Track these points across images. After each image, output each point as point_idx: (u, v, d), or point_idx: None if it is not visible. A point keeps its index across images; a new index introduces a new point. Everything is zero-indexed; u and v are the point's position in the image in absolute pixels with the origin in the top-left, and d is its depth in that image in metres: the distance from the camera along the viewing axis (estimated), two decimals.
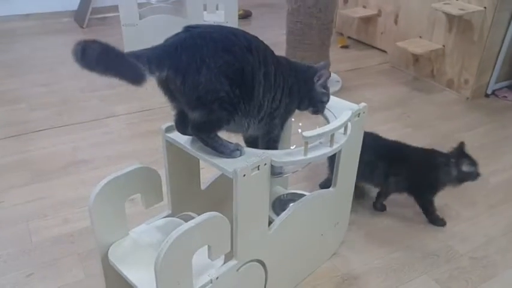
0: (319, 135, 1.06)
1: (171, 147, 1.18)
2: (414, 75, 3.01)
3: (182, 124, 1.10)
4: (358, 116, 1.27)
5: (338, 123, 1.11)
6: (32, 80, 2.78)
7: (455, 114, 2.55)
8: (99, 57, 0.87)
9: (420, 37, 2.92)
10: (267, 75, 1.06)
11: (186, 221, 1.27)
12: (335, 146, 1.12)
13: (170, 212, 1.28)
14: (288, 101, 1.14)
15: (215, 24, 1.03)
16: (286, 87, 1.13)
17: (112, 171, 1.12)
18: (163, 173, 1.24)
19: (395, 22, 3.14)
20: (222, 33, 1.01)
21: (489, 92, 2.76)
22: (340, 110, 1.23)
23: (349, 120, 1.15)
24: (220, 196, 1.34)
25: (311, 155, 1.08)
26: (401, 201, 1.79)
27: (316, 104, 1.21)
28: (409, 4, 2.99)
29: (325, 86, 1.20)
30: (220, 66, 0.97)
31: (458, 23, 2.67)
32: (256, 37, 1.07)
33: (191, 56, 0.96)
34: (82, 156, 2.05)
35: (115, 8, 2.99)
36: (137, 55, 0.93)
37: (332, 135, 1.11)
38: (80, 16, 3.79)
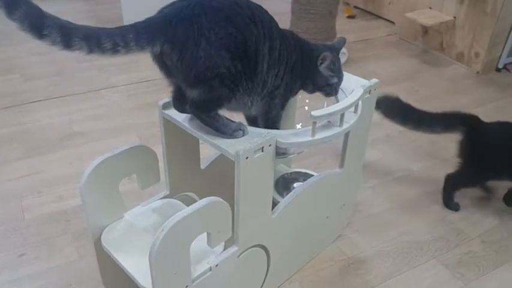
0: (329, 115, 0.98)
1: (169, 124, 1.10)
2: (423, 47, 2.89)
3: (180, 101, 1.01)
4: (369, 93, 1.19)
5: (349, 102, 1.02)
6: (27, 49, 2.67)
7: (465, 89, 2.46)
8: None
9: (430, 8, 2.79)
10: (272, 49, 0.96)
11: (184, 202, 1.21)
12: (345, 126, 1.04)
13: (168, 192, 1.21)
14: (289, 79, 1.05)
15: None
16: (289, 64, 1.03)
17: (109, 145, 1.05)
18: (160, 149, 1.16)
19: None
20: (223, 2, 0.91)
21: (500, 66, 2.66)
22: (349, 86, 1.14)
23: (360, 98, 1.07)
24: (221, 175, 1.27)
25: (319, 135, 1.00)
26: (407, 182, 1.73)
27: (322, 88, 1.10)
28: None
29: (333, 68, 1.08)
30: (221, 38, 0.88)
31: None
32: (260, 6, 0.97)
33: (188, 28, 0.86)
34: (78, 129, 1.97)
35: None
36: (122, 31, 0.83)
37: (342, 115, 1.02)
38: None
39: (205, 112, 0.97)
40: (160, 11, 0.91)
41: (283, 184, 1.44)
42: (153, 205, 1.16)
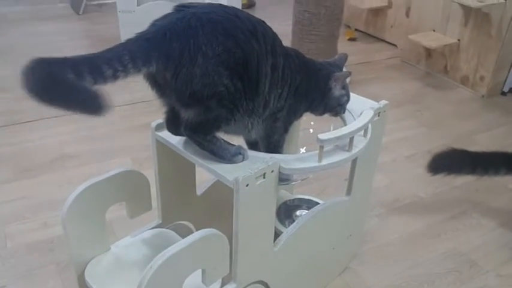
0: (337, 139, 0.89)
1: (162, 147, 1.01)
2: (426, 70, 2.83)
3: (174, 123, 0.93)
4: (378, 116, 1.10)
5: (358, 125, 0.94)
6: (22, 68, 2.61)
7: (470, 113, 2.39)
8: (44, 86, 0.70)
9: (433, 30, 2.75)
10: (275, 68, 0.88)
11: (178, 231, 1.12)
12: (354, 151, 0.95)
13: (160, 221, 1.12)
14: (293, 101, 0.97)
15: (213, 3, 0.82)
16: (293, 85, 0.95)
17: (101, 168, 0.97)
18: (153, 173, 1.07)
19: (407, 15, 2.96)
20: (222, 13, 0.83)
21: (506, 90, 2.59)
22: (357, 107, 1.06)
23: (370, 121, 0.98)
24: (218, 203, 1.18)
25: (326, 161, 0.91)
26: (416, 210, 1.64)
27: (333, 109, 1.04)
28: None
29: (343, 86, 1.02)
30: (219, 54, 0.79)
31: (475, 16, 2.50)
32: (262, 21, 0.90)
33: (184, 42, 0.78)
34: (70, 150, 1.88)
35: None
36: (116, 53, 0.75)
37: (351, 138, 0.94)
38: (76, 2, 3.61)
39: (201, 135, 0.88)
40: (153, 24, 0.83)
41: (285, 212, 1.35)
42: (143, 236, 1.06)
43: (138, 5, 2.76)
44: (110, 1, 3.64)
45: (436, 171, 1.54)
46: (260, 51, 0.85)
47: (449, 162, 1.55)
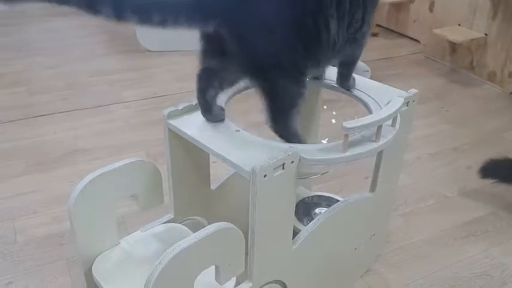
0: (364, 127, 0.82)
1: (175, 137, 0.95)
2: (451, 66, 2.73)
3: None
4: (407, 105, 1.03)
5: (387, 113, 0.86)
6: (38, 63, 2.59)
7: (498, 111, 2.28)
8: None
9: (459, 25, 2.64)
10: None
11: (191, 227, 1.05)
12: (382, 141, 0.87)
13: (173, 216, 1.05)
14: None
15: None
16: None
17: (115, 162, 0.91)
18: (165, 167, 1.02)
19: (431, 9, 2.86)
20: None
21: None
22: (383, 97, 0.99)
23: (399, 109, 0.91)
24: (234, 197, 1.12)
25: (352, 151, 0.84)
26: (442, 210, 1.55)
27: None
28: None
29: None
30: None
31: (504, 9, 2.39)
32: None
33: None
34: (83, 145, 1.84)
35: None
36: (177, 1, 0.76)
37: (379, 127, 0.86)
38: None
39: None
40: None
41: (304, 209, 1.28)
42: (155, 231, 1.00)
43: None
44: None
45: (486, 176, 1.53)
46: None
47: (502, 170, 1.54)
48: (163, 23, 0.75)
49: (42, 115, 2.07)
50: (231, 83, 0.91)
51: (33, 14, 3.38)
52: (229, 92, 0.99)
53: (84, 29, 3.13)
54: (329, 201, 1.31)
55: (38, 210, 1.48)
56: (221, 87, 0.90)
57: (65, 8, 0.77)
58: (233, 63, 0.83)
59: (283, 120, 0.87)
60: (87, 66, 2.57)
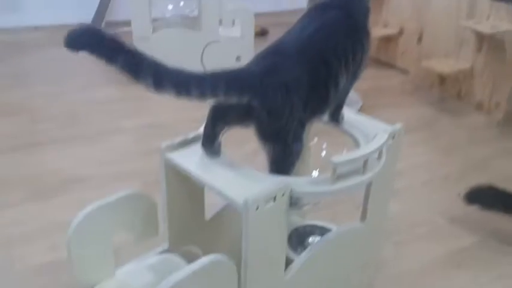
0: (351, 161, 0.86)
1: (171, 169, 0.99)
2: (440, 96, 2.80)
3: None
4: (393, 138, 1.07)
5: (373, 147, 0.91)
6: (38, 92, 2.62)
7: (486, 140, 2.33)
8: None
9: (446, 56, 2.73)
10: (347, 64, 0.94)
11: (186, 257, 1.08)
12: (368, 175, 0.92)
13: (167, 247, 1.08)
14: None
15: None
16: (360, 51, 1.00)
17: (112, 191, 0.95)
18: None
19: (419, 41, 2.95)
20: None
21: None
22: (370, 131, 1.03)
23: (385, 144, 0.95)
24: (229, 227, 1.14)
25: (340, 184, 0.88)
26: (434, 238, 1.58)
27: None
28: (435, 22, 2.80)
29: None
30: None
31: (488, 42, 2.48)
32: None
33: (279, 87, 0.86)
34: (82, 173, 1.86)
35: (129, 23, 2.87)
36: (215, 75, 0.83)
37: (365, 161, 0.90)
38: None
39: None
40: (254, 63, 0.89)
41: (298, 238, 1.30)
42: (149, 262, 1.03)
43: (153, 32, 2.79)
44: (125, 29, 3.70)
45: (471, 202, 1.58)
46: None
47: (485, 197, 1.58)
48: (201, 96, 0.80)
49: (42, 143, 2.09)
50: (244, 126, 0.95)
51: (33, 44, 3.44)
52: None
53: (84, 59, 3.18)
54: (322, 231, 1.33)
55: (36, 239, 1.49)
56: (231, 125, 0.95)
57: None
58: (252, 123, 0.89)
59: (286, 171, 0.92)
60: (87, 95, 2.60)
